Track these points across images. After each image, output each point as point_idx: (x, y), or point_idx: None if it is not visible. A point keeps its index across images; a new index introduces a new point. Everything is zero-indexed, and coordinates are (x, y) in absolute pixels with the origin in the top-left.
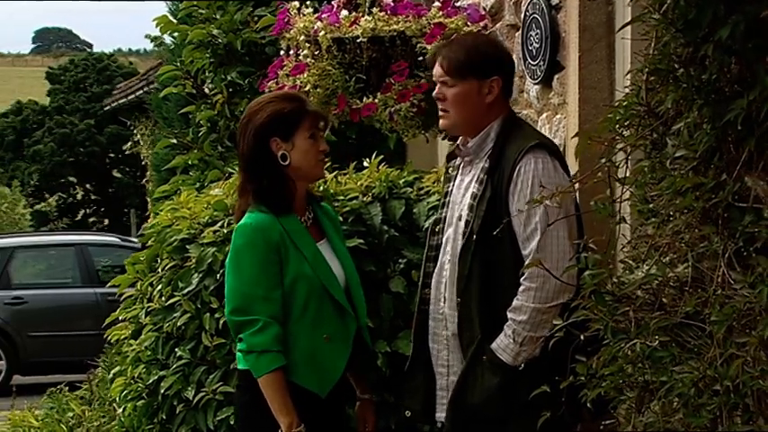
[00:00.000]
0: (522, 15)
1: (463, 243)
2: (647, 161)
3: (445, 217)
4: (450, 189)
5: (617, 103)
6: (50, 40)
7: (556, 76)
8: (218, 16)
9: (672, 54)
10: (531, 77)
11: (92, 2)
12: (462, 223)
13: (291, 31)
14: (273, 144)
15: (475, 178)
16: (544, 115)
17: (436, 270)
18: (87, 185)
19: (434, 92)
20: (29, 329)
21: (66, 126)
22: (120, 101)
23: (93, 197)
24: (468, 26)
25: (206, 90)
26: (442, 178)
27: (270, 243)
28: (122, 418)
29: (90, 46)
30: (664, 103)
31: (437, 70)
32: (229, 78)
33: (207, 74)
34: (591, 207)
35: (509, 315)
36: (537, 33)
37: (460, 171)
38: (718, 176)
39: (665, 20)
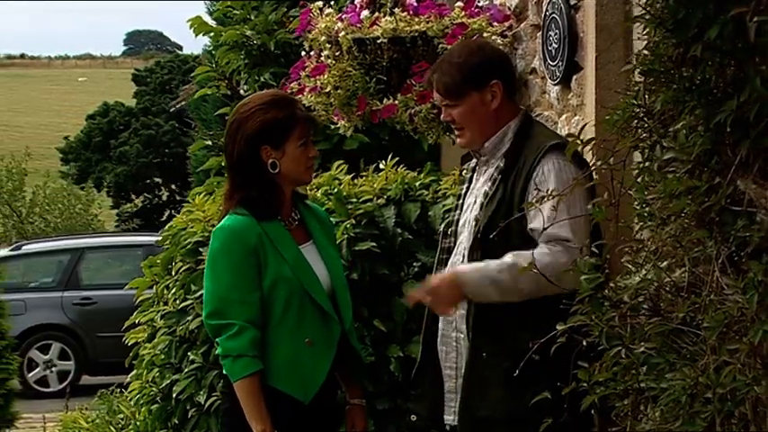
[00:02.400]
0: (543, 15)
1: (471, 243)
2: (645, 163)
3: (458, 220)
4: (464, 191)
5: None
6: (141, 42)
7: (574, 77)
8: (252, 17)
9: (663, 54)
10: (550, 78)
11: (183, 2)
12: (474, 223)
13: (313, 32)
14: (264, 152)
15: (489, 177)
16: (564, 117)
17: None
18: (172, 186)
19: (442, 116)
20: (97, 330)
21: (152, 127)
22: (181, 103)
23: (178, 198)
24: (492, 26)
25: (241, 91)
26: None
27: (247, 246)
28: (138, 423)
29: (180, 48)
30: (658, 104)
31: (437, 96)
32: (263, 79)
33: (242, 75)
34: (588, 210)
35: (508, 254)
36: (556, 33)
37: (477, 172)
38: (712, 179)
39: (655, 20)
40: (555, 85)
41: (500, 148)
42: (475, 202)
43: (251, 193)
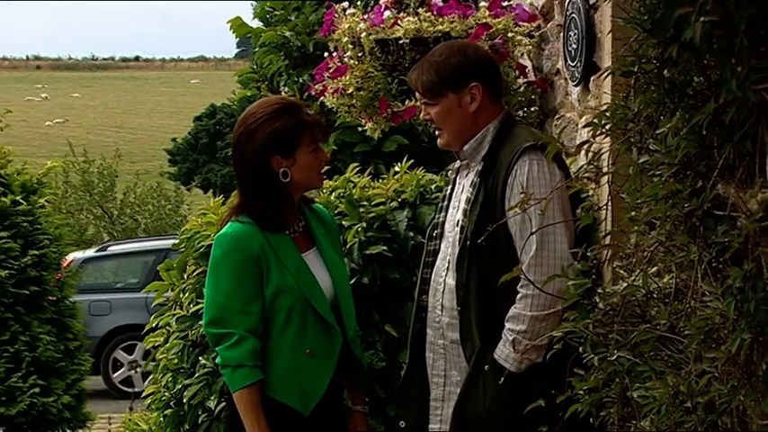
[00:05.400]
0: (564, 15)
1: (459, 250)
2: (634, 166)
3: (443, 222)
4: (448, 193)
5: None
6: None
7: (592, 78)
8: (293, 17)
9: (643, 55)
10: (570, 79)
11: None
12: (458, 229)
13: (336, 33)
14: (274, 162)
15: (469, 182)
16: (583, 118)
17: (433, 277)
18: None
19: (422, 115)
20: None
21: None
22: None
23: None
24: (518, 26)
25: (282, 92)
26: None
27: (249, 254)
28: (152, 427)
29: None
30: (636, 106)
31: (418, 95)
32: (302, 81)
33: (283, 76)
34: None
35: (507, 324)
36: (575, 34)
37: (459, 175)
38: (695, 183)
39: (632, 20)
40: (575, 86)
41: (480, 151)
42: (458, 206)
43: (263, 204)
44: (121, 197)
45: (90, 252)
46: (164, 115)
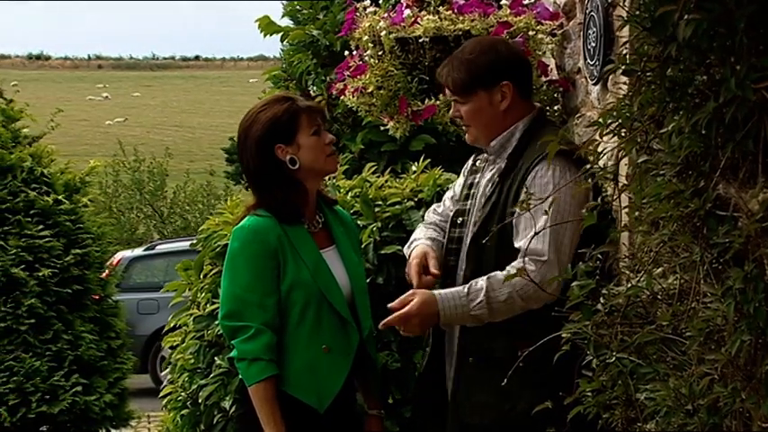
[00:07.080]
0: (584, 13)
1: (467, 248)
2: (636, 166)
3: (469, 209)
4: (476, 181)
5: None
6: None
7: (610, 77)
8: (321, 16)
9: (644, 54)
10: (590, 78)
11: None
12: (471, 225)
13: (357, 31)
14: (279, 151)
15: (490, 179)
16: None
17: (458, 264)
18: None
19: (450, 112)
20: None
21: None
22: None
23: None
24: (540, 24)
25: (311, 92)
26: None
27: (267, 247)
28: (169, 427)
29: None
30: (635, 105)
31: (447, 92)
32: (329, 79)
33: (311, 75)
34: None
35: (482, 282)
36: (593, 32)
37: (485, 169)
38: (698, 183)
39: (632, 18)
40: (594, 84)
41: (507, 148)
42: (479, 201)
43: (273, 194)
44: (171, 196)
45: (138, 251)
46: (222, 114)
